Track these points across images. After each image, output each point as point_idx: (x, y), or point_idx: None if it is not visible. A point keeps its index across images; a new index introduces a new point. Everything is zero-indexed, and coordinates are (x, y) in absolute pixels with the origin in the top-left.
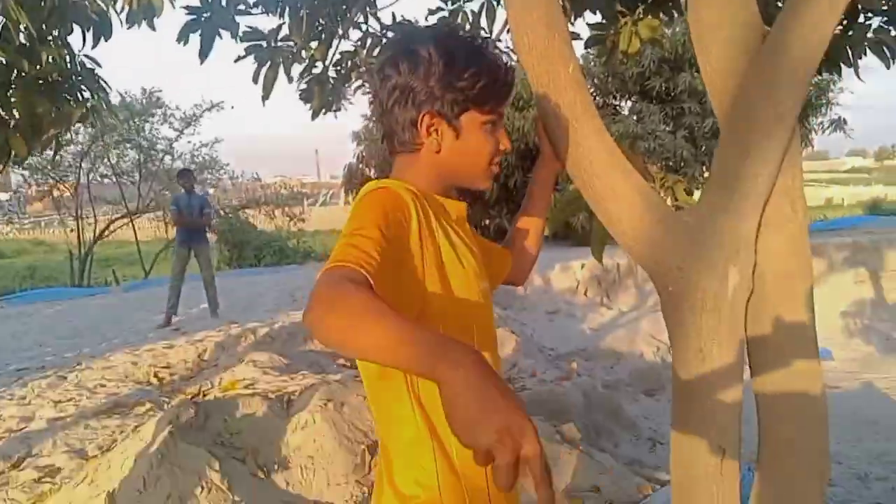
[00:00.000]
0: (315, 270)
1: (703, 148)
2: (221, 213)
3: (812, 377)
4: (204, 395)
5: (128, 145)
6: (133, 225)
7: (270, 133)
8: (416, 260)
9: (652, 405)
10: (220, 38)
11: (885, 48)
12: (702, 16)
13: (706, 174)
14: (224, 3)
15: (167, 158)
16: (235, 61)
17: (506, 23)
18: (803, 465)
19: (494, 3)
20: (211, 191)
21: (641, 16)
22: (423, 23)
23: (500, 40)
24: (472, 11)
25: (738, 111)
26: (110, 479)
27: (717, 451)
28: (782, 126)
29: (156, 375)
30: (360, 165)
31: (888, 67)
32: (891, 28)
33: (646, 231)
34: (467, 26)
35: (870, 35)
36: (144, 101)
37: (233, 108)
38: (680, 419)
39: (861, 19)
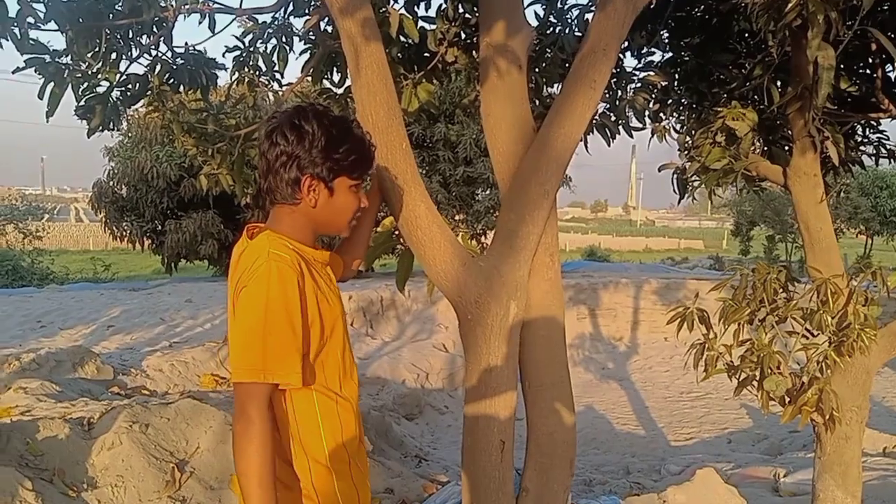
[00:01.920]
0: (57, 294)
1: (454, 193)
2: None
3: (563, 384)
4: None
5: None
6: None
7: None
8: (306, 319)
9: (412, 427)
10: (2, 48)
11: (606, 129)
12: (491, 111)
13: (457, 217)
14: (13, 13)
15: None
16: (14, 72)
17: (303, 73)
18: (559, 452)
19: (287, 47)
20: None
21: (419, 80)
22: (217, 56)
23: (290, 84)
24: (265, 52)
25: (516, 186)
26: None
27: (499, 444)
28: (547, 199)
29: None
30: (111, 183)
31: (609, 145)
32: (610, 114)
33: (453, 272)
34: (261, 65)
35: (595, 118)
36: None
37: None
38: (470, 420)
39: None
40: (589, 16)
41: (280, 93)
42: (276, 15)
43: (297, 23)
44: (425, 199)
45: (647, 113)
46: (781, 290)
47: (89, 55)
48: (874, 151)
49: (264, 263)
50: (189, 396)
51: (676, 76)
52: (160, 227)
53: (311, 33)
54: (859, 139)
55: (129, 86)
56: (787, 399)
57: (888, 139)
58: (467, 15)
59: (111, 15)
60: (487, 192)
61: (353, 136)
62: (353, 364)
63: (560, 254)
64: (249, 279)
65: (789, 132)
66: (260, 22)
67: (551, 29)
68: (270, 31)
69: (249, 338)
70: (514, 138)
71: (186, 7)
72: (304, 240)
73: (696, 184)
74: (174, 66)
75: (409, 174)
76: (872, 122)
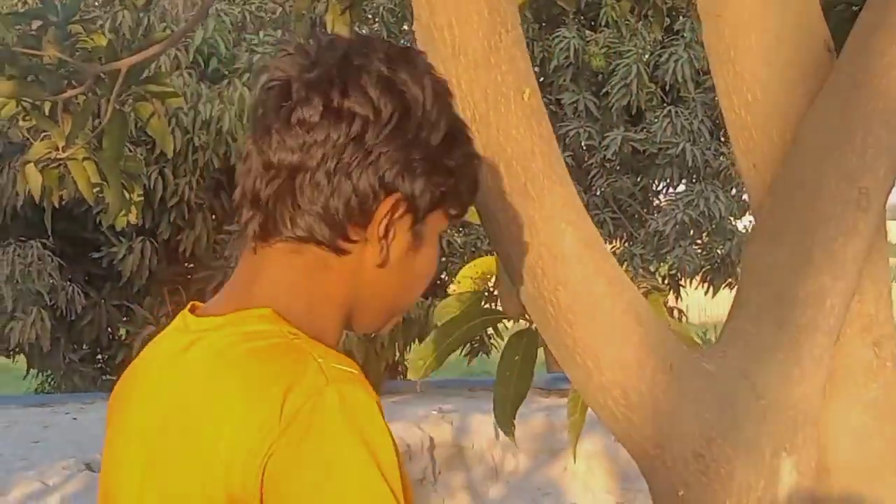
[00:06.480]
0: None
1: (602, 192)
2: None
3: None
4: None
5: None
6: None
7: None
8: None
9: None
10: None
11: None
12: (728, 16)
13: (611, 246)
14: None
15: None
16: None
17: None
18: None
19: None
20: None
21: None
22: None
23: None
24: None
25: (793, 186)
26: None
27: None
28: (866, 215)
29: None
30: None
31: None
32: None
33: (643, 387)
34: None
35: None
36: None
37: None
38: None
39: None
40: None
41: None
42: None
43: None
44: (577, 220)
45: None
46: None
47: None
48: None
49: (329, 396)
50: None
51: None
52: None
53: None
54: None
55: None
56: None
57: None
58: None
59: None
60: (680, 188)
61: (462, 123)
62: None
63: None
64: (299, 434)
65: None
66: None
67: None
68: None
69: None
70: (783, 64)
71: None
72: (331, 334)
73: None
74: None
75: (541, 160)
76: None
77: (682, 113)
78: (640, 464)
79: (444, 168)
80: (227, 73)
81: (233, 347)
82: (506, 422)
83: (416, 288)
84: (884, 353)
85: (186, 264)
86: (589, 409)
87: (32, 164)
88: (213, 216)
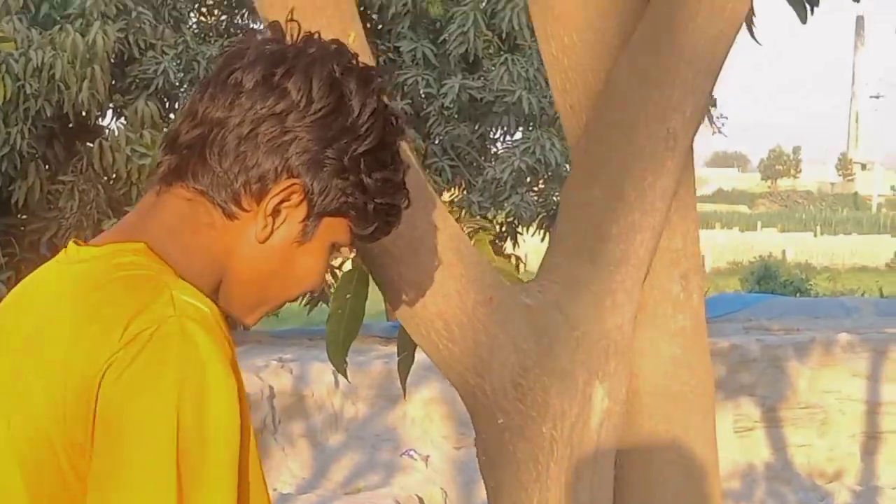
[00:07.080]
0: None
1: (440, 142)
2: None
3: None
4: None
5: None
6: None
7: None
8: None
9: None
10: None
11: None
12: None
13: (448, 196)
14: None
15: None
16: None
17: None
18: None
19: None
20: None
21: None
22: None
23: None
24: None
25: (606, 126)
26: None
27: None
28: (674, 154)
29: None
30: None
31: (804, 20)
32: None
33: (465, 321)
34: None
35: None
36: None
37: None
38: None
39: None
40: None
41: None
42: None
43: None
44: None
45: None
46: None
47: None
48: None
49: (171, 326)
50: None
51: None
52: None
53: None
54: None
55: None
56: None
57: None
58: None
59: None
60: (517, 136)
61: (399, 161)
62: None
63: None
64: (133, 353)
65: None
66: None
67: None
68: None
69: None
70: (599, 8)
71: None
72: (207, 287)
73: None
74: None
75: None
76: None
77: (518, 61)
78: (462, 394)
79: (357, 180)
80: (59, 18)
81: (100, 275)
82: (338, 360)
83: (289, 287)
84: (690, 285)
85: (19, 215)
86: (422, 353)
87: None
88: (47, 166)
